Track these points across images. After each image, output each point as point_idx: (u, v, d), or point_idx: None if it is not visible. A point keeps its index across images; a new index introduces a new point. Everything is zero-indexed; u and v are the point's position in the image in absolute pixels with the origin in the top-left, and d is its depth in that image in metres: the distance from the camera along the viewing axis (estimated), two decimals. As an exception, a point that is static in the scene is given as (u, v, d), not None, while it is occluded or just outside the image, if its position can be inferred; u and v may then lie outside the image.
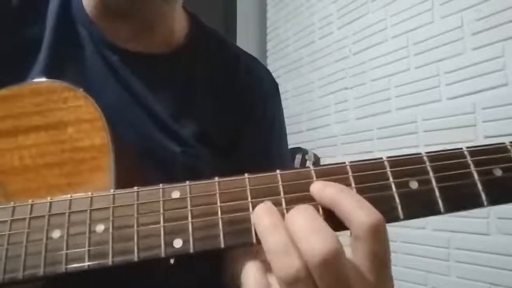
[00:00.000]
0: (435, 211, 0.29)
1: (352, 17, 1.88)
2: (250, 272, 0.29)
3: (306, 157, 1.92)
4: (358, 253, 0.27)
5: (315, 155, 1.96)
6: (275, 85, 0.63)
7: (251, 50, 0.65)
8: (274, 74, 0.66)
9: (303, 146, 2.03)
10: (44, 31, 0.49)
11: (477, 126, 1.33)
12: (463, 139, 1.35)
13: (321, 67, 2.05)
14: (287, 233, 0.27)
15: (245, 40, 2.46)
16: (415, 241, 1.47)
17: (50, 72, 0.47)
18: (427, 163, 0.31)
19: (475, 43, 1.35)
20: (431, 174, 0.30)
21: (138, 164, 0.44)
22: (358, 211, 0.27)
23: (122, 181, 0.37)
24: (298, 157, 1.91)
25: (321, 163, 1.95)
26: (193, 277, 0.52)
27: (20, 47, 0.48)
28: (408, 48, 1.59)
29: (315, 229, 0.26)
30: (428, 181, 0.30)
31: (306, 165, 1.88)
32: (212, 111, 0.54)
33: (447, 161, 0.31)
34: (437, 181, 0.30)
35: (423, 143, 1.50)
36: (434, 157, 0.31)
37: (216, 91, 0.55)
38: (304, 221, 0.27)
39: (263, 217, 0.28)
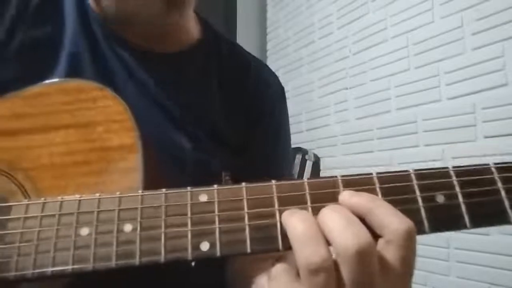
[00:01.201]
0: (460, 226, 0.30)
1: (352, 17, 1.88)
2: (277, 276, 0.29)
3: (306, 157, 1.92)
4: (388, 256, 0.27)
5: (315, 155, 1.96)
6: (282, 90, 0.64)
7: (251, 50, 0.66)
8: (274, 74, 0.66)
9: (303, 146, 2.03)
10: (62, 31, 0.50)
11: (477, 126, 1.33)
12: (463, 139, 1.35)
13: (321, 67, 2.05)
14: (317, 224, 0.28)
15: (245, 40, 2.46)
16: (415, 241, 1.47)
17: (72, 72, 0.48)
18: (454, 178, 0.31)
19: (475, 43, 1.35)
20: (457, 188, 0.30)
21: (161, 164, 0.44)
22: (393, 217, 0.27)
23: (149, 180, 0.37)
24: (298, 157, 1.90)
25: (321, 163, 1.95)
26: (211, 276, 0.52)
27: (40, 45, 0.49)
28: (408, 48, 1.59)
29: (350, 223, 0.27)
30: (455, 196, 0.30)
31: (306, 165, 1.88)
32: (224, 110, 0.55)
33: (474, 177, 0.31)
34: (464, 196, 0.30)
35: (423, 143, 1.50)
36: (461, 172, 0.31)
37: (227, 93, 0.56)
38: (339, 215, 0.27)
39: (290, 213, 0.29)
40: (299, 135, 2.12)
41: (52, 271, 0.30)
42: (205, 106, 0.54)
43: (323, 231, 0.27)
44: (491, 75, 1.30)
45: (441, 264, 1.41)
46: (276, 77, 0.65)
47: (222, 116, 0.55)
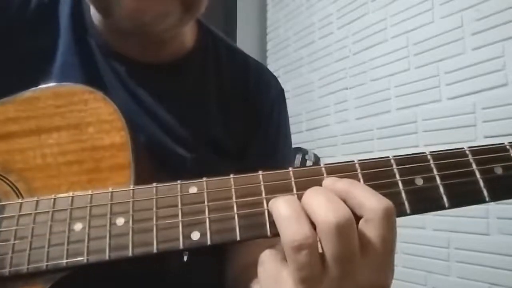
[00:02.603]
0: (439, 206, 0.31)
1: (352, 17, 1.88)
2: (265, 260, 0.30)
3: (306, 157, 1.92)
4: (368, 234, 0.28)
5: (315, 155, 1.96)
6: (282, 92, 0.64)
7: (251, 50, 0.65)
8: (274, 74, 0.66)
9: (303, 146, 2.03)
10: (56, 41, 0.50)
11: (477, 126, 1.33)
12: (463, 139, 1.35)
13: (321, 67, 2.05)
14: (300, 205, 0.29)
15: (245, 40, 2.46)
16: (415, 241, 1.47)
17: (64, 78, 0.48)
18: (431, 161, 0.32)
19: (475, 43, 1.35)
20: (435, 171, 0.32)
21: (152, 167, 0.45)
22: (371, 197, 0.29)
23: (140, 179, 0.38)
24: (298, 157, 1.90)
25: (321, 163, 1.94)
26: (206, 274, 0.52)
27: (33, 56, 0.49)
28: (408, 48, 1.59)
29: (330, 200, 0.28)
30: (433, 179, 0.32)
31: (306, 165, 1.88)
32: (222, 118, 0.55)
33: (450, 160, 0.32)
34: (441, 179, 0.32)
35: (423, 143, 1.50)
36: (438, 156, 0.33)
37: (225, 98, 0.56)
38: (320, 194, 0.29)
39: (275, 198, 0.30)
40: (299, 135, 2.12)
41: (47, 265, 0.31)
42: (202, 116, 0.53)
43: (306, 211, 0.28)
44: (491, 75, 1.30)
45: (441, 264, 1.41)
46: (275, 79, 0.64)
47: (220, 124, 0.54)
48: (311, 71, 2.12)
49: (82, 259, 0.31)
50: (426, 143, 1.49)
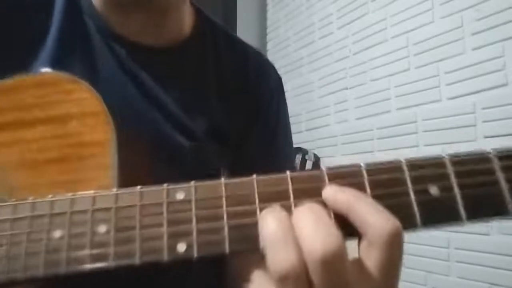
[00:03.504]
0: (456, 221, 0.28)
1: (352, 17, 1.88)
2: (254, 280, 0.28)
3: (306, 157, 1.92)
4: (370, 259, 0.25)
5: (315, 155, 1.96)
6: (280, 81, 0.63)
7: (251, 51, 0.65)
8: (274, 74, 0.66)
9: (303, 146, 2.03)
10: (50, 22, 0.49)
11: (477, 126, 1.33)
12: (463, 139, 1.35)
13: (321, 67, 2.05)
14: (291, 227, 0.26)
15: (245, 40, 2.45)
16: (415, 241, 1.47)
17: (57, 62, 0.46)
18: (449, 167, 0.28)
19: (475, 43, 1.35)
20: (453, 179, 0.28)
21: (146, 158, 0.43)
22: (375, 216, 0.25)
23: (128, 177, 0.36)
24: (298, 157, 1.90)
25: (321, 163, 1.95)
26: (211, 276, 0.52)
27: (25, 36, 0.47)
28: (408, 48, 1.59)
29: (319, 226, 0.25)
30: (450, 188, 0.28)
31: (306, 165, 1.88)
32: (222, 106, 0.54)
33: (471, 166, 0.28)
34: (460, 188, 0.28)
35: (423, 143, 1.50)
36: (457, 160, 0.29)
37: (225, 86, 0.55)
38: (309, 217, 0.26)
39: (266, 212, 0.28)
40: (299, 135, 2.12)
41: (24, 275, 0.29)
42: (202, 101, 0.53)
43: (295, 233, 0.26)
44: (491, 75, 1.30)
45: (441, 264, 1.41)
46: (274, 68, 0.63)
47: (220, 111, 0.53)
48: (311, 71, 2.12)
49: (60, 270, 0.29)
50: (426, 143, 1.49)
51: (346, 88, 1.88)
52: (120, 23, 0.50)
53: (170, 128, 0.49)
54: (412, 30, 1.57)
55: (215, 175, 0.51)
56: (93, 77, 0.46)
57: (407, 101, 1.58)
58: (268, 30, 2.55)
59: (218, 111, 0.53)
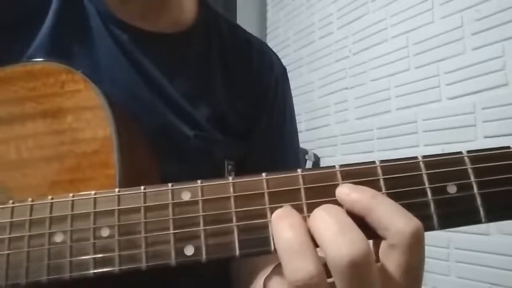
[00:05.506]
0: (475, 221, 0.27)
1: (352, 17, 1.88)
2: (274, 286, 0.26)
3: (306, 157, 1.92)
4: (392, 262, 0.24)
5: (315, 155, 1.96)
6: (284, 69, 0.63)
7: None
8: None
9: (303, 146, 2.03)
10: (48, 5, 0.47)
11: (477, 126, 1.33)
12: (463, 139, 1.35)
13: (321, 67, 2.05)
14: (306, 232, 0.25)
15: (245, 40, 2.45)
16: (415, 241, 1.47)
17: (55, 47, 0.45)
18: (468, 165, 0.27)
19: (475, 43, 1.35)
20: (472, 177, 0.27)
21: (149, 149, 0.41)
22: (396, 218, 0.24)
23: (131, 174, 0.34)
24: (298, 157, 1.90)
25: (321, 163, 1.95)
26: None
27: (23, 19, 0.46)
28: (408, 48, 1.59)
29: (344, 229, 0.24)
30: (469, 186, 0.27)
31: (306, 165, 1.87)
32: (226, 95, 0.53)
33: (491, 163, 0.27)
34: (480, 186, 0.27)
35: (423, 143, 1.50)
36: (477, 157, 0.27)
37: (229, 75, 0.54)
38: (331, 219, 0.24)
39: (279, 217, 0.26)
40: (299, 135, 2.12)
41: (27, 282, 0.28)
42: (206, 90, 0.51)
43: (315, 237, 0.24)
44: (491, 75, 1.30)
45: (441, 264, 1.41)
46: (277, 57, 0.62)
47: (224, 100, 0.52)
48: (311, 71, 2.12)
49: (64, 274, 0.28)
50: (426, 143, 1.49)
51: (346, 88, 1.88)
52: (121, 7, 0.48)
53: (173, 117, 0.47)
54: (412, 30, 1.57)
55: (220, 166, 0.50)
56: (92, 63, 0.45)
57: (407, 101, 1.58)
58: (268, 30, 2.55)
59: (222, 99, 0.52)
